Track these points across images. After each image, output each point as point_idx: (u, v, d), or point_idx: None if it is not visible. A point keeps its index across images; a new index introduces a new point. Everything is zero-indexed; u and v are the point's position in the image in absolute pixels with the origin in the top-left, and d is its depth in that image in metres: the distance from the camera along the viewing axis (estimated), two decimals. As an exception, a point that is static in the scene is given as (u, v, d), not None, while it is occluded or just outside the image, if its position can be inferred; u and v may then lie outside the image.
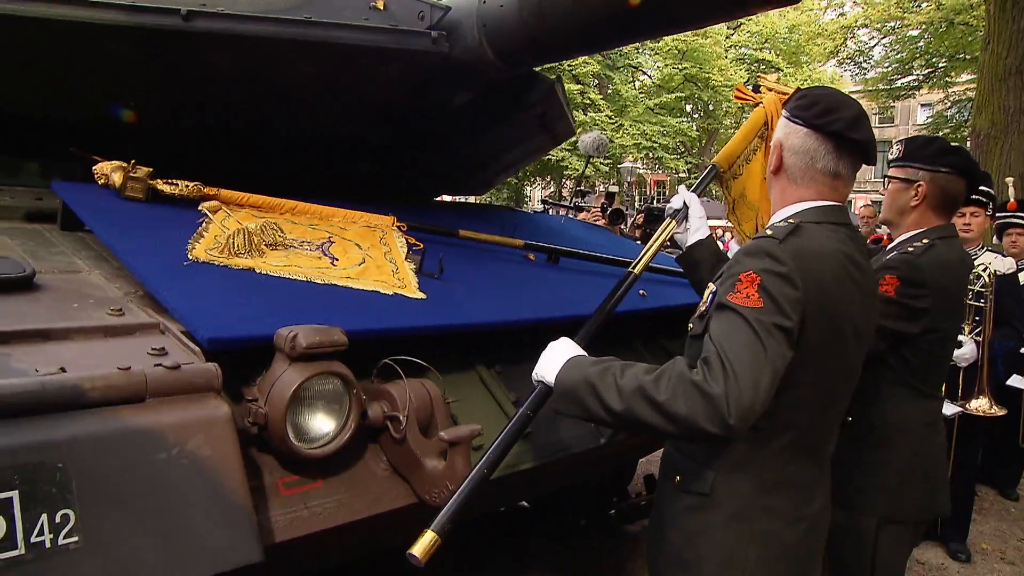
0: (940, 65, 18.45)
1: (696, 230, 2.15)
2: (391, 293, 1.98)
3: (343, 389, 1.51)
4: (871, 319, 1.65)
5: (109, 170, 1.99)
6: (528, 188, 31.63)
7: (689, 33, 22.20)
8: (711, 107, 26.14)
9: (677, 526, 1.59)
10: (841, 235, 1.58)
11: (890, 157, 2.37)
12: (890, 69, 19.78)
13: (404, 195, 3.24)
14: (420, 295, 2.03)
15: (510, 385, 2.05)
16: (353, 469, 1.60)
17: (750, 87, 2.55)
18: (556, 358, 1.60)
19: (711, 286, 1.55)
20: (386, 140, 2.96)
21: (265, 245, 2.01)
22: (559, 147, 22.22)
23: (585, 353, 1.61)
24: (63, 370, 1.11)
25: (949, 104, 20.00)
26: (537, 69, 2.92)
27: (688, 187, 2.23)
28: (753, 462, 1.52)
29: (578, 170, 22.92)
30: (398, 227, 2.48)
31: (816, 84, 25.11)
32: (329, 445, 1.48)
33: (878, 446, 2.15)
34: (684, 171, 26.67)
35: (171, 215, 2.01)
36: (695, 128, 26.74)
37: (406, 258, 2.26)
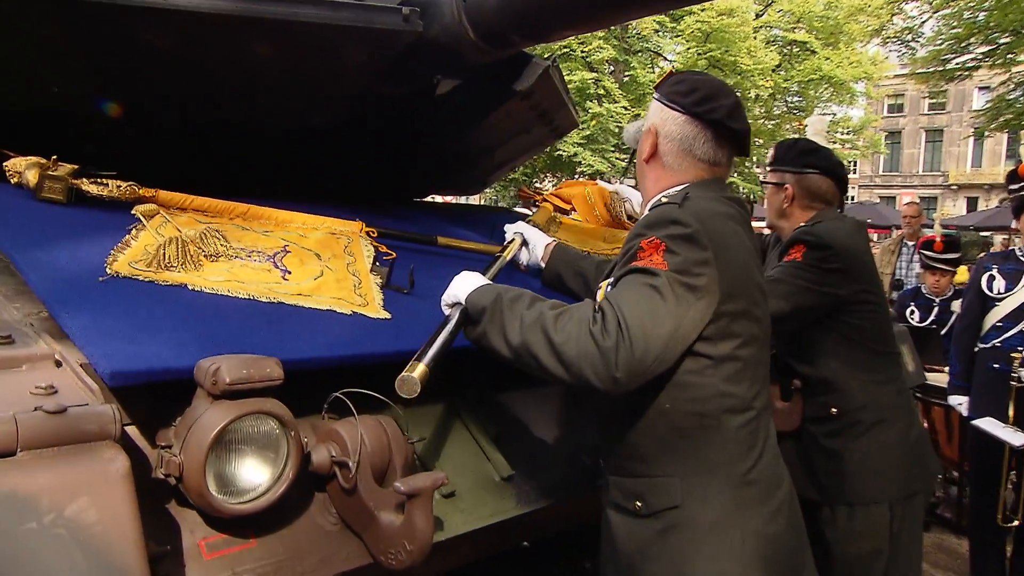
0: (1002, 41, 17.72)
1: (540, 243, 2.34)
2: (349, 312, 1.88)
3: (279, 431, 1.40)
4: (764, 282, 1.75)
5: (23, 167, 1.89)
6: (537, 185, 31.54)
7: (713, 12, 22.07)
8: (739, 94, 25.97)
9: (653, 557, 1.55)
10: (724, 200, 1.68)
11: (766, 163, 2.69)
12: (943, 47, 19.14)
13: (382, 196, 3.13)
14: (384, 314, 1.93)
15: (490, 419, 1.95)
16: (295, 524, 1.49)
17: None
18: (470, 282, 1.67)
19: (604, 284, 1.62)
20: (357, 133, 2.85)
21: (204, 256, 1.91)
22: (571, 141, 22.29)
23: None
24: (-91, 418, 0.99)
25: (1013, 86, 19.25)
26: (530, 51, 2.82)
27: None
28: (715, 453, 1.54)
29: (592, 165, 22.81)
30: (367, 233, 2.38)
31: (856, 66, 25.08)
32: (260, 499, 1.37)
33: (871, 427, 2.35)
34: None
35: (97, 220, 1.91)
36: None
37: (372, 270, 2.15)
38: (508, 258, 2.28)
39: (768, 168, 2.65)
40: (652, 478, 1.56)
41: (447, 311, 1.71)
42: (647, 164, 1.77)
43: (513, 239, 2.37)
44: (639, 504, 1.57)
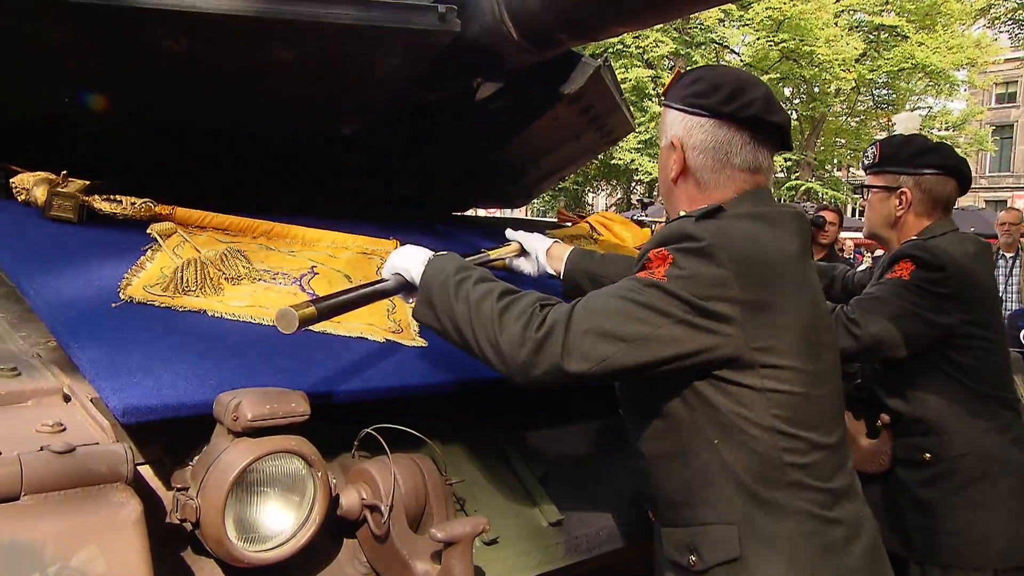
0: None
1: (540, 249, 2.29)
2: (382, 340, 1.91)
3: (305, 472, 1.42)
4: (828, 310, 1.72)
5: (31, 183, 1.96)
6: (591, 195, 31.58)
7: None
8: (816, 88, 25.64)
9: None
10: (770, 218, 1.60)
11: (865, 163, 2.52)
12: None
13: (419, 210, 3.18)
14: (420, 342, 1.97)
15: (537, 458, 1.95)
16: (322, 574, 1.51)
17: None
18: (418, 256, 1.69)
19: None
20: (391, 143, 2.90)
21: (225, 279, 1.96)
22: (626, 147, 22.26)
23: None
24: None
25: None
26: (578, 50, 2.83)
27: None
28: (777, 496, 1.48)
29: (650, 173, 22.74)
30: (401, 252, 2.41)
31: (956, 51, 24.38)
32: (284, 546, 1.39)
33: (973, 480, 2.25)
34: (782, 170, 26.16)
35: (109, 240, 1.97)
36: (796, 115, 26.25)
37: (406, 293, 2.18)
38: (493, 259, 2.27)
39: (873, 169, 2.52)
40: (706, 526, 1.51)
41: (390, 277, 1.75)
42: (676, 185, 1.70)
43: (509, 244, 2.35)
44: (693, 559, 1.52)
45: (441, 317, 1.57)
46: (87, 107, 2.27)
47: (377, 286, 1.71)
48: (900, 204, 2.44)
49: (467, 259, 2.09)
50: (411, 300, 1.74)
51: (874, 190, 2.51)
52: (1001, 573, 2.21)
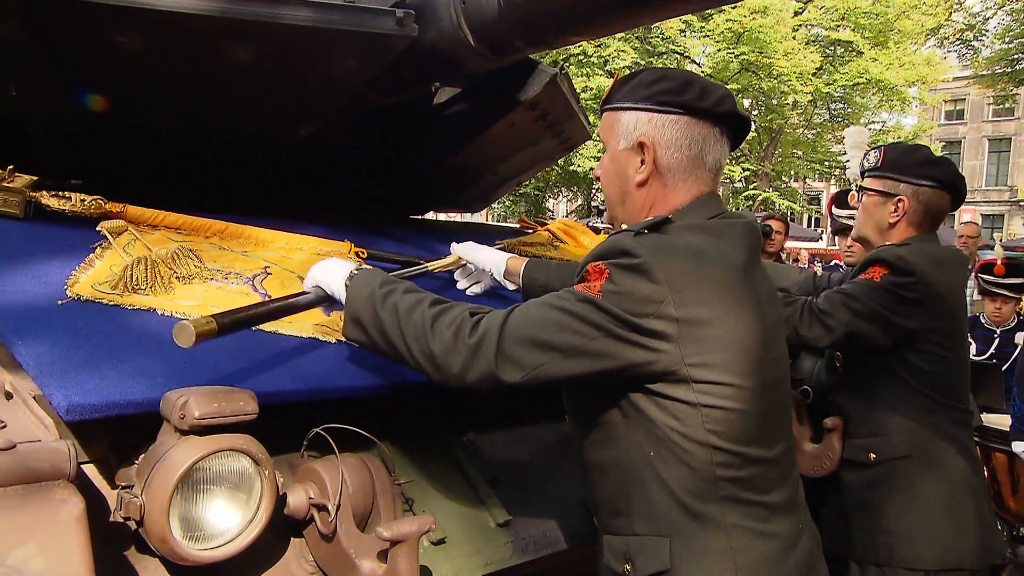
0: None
1: (496, 265, 2.28)
2: (334, 341, 1.91)
3: (252, 471, 1.42)
4: (779, 319, 1.69)
5: (-26, 178, 1.93)
6: (552, 201, 31.67)
7: (746, 11, 22.16)
8: (774, 100, 26.00)
9: None
10: (719, 227, 1.59)
11: (866, 165, 2.53)
12: (1012, 46, 19.06)
13: (377, 213, 3.18)
14: (371, 344, 1.95)
15: (486, 459, 1.96)
16: (268, 573, 1.51)
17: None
18: (339, 270, 1.69)
19: None
20: (348, 145, 2.90)
21: (176, 278, 1.94)
22: (587, 155, 22.34)
23: None
24: None
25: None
26: (537, 58, 2.86)
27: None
28: (710, 510, 1.48)
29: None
30: (356, 254, 2.42)
31: (908, 68, 24.86)
32: (230, 545, 1.39)
33: (913, 483, 2.28)
34: (740, 180, 26.49)
35: (58, 237, 1.95)
36: (754, 127, 26.60)
37: (360, 295, 2.18)
38: (432, 271, 2.29)
39: (873, 173, 2.52)
40: (640, 537, 1.51)
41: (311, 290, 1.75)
42: (640, 187, 1.63)
43: (451, 257, 2.37)
44: (628, 567, 1.52)
45: (370, 331, 1.57)
46: (37, 104, 2.25)
47: (290, 300, 1.70)
48: (895, 212, 2.45)
49: (405, 271, 2.08)
50: (330, 313, 1.77)
51: (870, 194, 2.51)
52: (934, 574, 2.22)
